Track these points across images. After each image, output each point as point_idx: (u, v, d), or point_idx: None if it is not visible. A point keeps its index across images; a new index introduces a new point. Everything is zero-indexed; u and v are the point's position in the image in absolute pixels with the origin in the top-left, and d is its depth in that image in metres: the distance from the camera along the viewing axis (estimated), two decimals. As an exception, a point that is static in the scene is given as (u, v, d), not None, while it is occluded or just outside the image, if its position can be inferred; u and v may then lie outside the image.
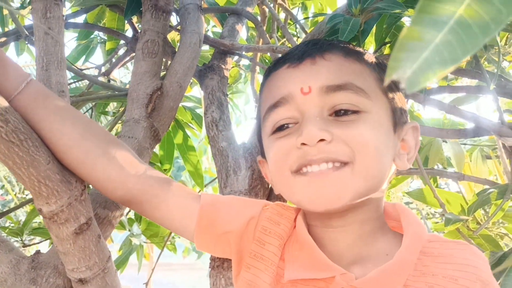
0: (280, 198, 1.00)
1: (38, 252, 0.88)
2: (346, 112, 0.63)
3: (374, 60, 0.70)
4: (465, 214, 0.99)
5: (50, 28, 0.79)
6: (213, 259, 0.90)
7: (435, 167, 1.57)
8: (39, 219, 1.97)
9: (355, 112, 0.62)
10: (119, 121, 1.56)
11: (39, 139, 0.67)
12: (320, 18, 2.14)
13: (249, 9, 1.41)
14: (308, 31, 1.46)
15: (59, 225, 0.72)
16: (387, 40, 1.13)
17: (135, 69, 1.04)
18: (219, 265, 0.87)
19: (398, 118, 0.68)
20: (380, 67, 0.69)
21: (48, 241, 1.81)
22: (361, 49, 0.73)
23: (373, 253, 0.65)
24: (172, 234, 2.11)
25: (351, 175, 0.61)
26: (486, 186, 1.07)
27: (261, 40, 1.39)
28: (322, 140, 0.61)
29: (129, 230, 2.01)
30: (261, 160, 0.77)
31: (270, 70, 0.73)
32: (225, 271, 0.87)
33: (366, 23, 1.04)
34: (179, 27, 1.26)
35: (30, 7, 1.61)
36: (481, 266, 0.60)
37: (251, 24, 1.41)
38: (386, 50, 1.22)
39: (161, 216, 0.74)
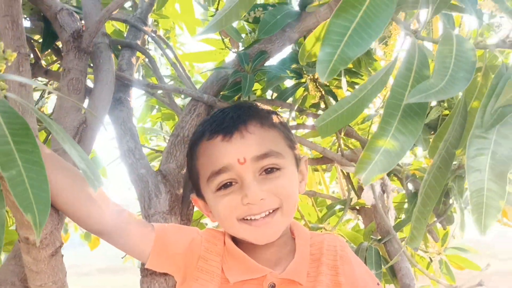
0: (187, 214, 1.24)
1: (-10, 272, 0.98)
2: (271, 170, 0.91)
3: (278, 120, 0.99)
4: (320, 223, 1.41)
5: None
6: (146, 268, 1.09)
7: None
8: None
9: (277, 169, 0.91)
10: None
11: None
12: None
13: (138, 42, 1.58)
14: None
15: (40, 250, 0.87)
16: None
17: (61, 103, 1.17)
18: (152, 272, 1.07)
19: (299, 160, 0.99)
20: (283, 125, 0.98)
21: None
22: (266, 109, 1.01)
23: (284, 255, 0.97)
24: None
25: (281, 217, 0.91)
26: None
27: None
28: (262, 199, 0.88)
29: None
30: (195, 198, 1.02)
31: (202, 136, 0.95)
32: (158, 277, 1.07)
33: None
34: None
35: None
36: (339, 246, 0.97)
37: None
38: (258, 92, 1.56)
39: (124, 243, 0.93)
